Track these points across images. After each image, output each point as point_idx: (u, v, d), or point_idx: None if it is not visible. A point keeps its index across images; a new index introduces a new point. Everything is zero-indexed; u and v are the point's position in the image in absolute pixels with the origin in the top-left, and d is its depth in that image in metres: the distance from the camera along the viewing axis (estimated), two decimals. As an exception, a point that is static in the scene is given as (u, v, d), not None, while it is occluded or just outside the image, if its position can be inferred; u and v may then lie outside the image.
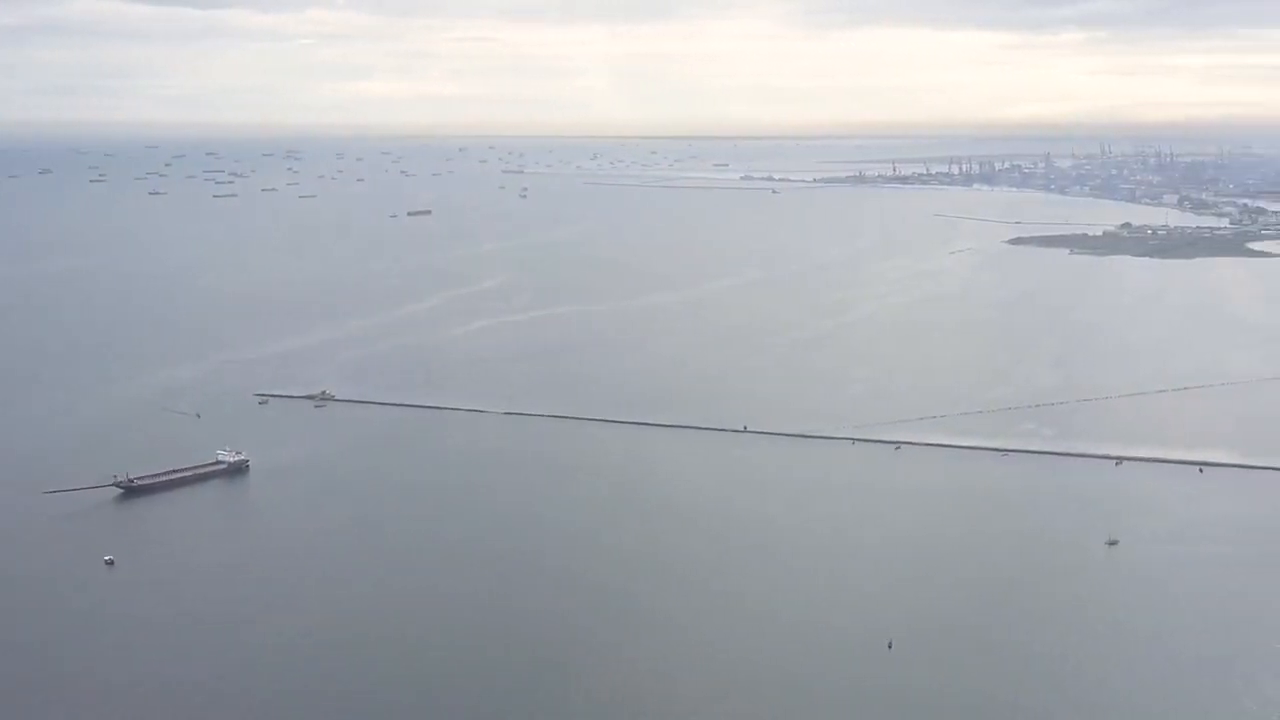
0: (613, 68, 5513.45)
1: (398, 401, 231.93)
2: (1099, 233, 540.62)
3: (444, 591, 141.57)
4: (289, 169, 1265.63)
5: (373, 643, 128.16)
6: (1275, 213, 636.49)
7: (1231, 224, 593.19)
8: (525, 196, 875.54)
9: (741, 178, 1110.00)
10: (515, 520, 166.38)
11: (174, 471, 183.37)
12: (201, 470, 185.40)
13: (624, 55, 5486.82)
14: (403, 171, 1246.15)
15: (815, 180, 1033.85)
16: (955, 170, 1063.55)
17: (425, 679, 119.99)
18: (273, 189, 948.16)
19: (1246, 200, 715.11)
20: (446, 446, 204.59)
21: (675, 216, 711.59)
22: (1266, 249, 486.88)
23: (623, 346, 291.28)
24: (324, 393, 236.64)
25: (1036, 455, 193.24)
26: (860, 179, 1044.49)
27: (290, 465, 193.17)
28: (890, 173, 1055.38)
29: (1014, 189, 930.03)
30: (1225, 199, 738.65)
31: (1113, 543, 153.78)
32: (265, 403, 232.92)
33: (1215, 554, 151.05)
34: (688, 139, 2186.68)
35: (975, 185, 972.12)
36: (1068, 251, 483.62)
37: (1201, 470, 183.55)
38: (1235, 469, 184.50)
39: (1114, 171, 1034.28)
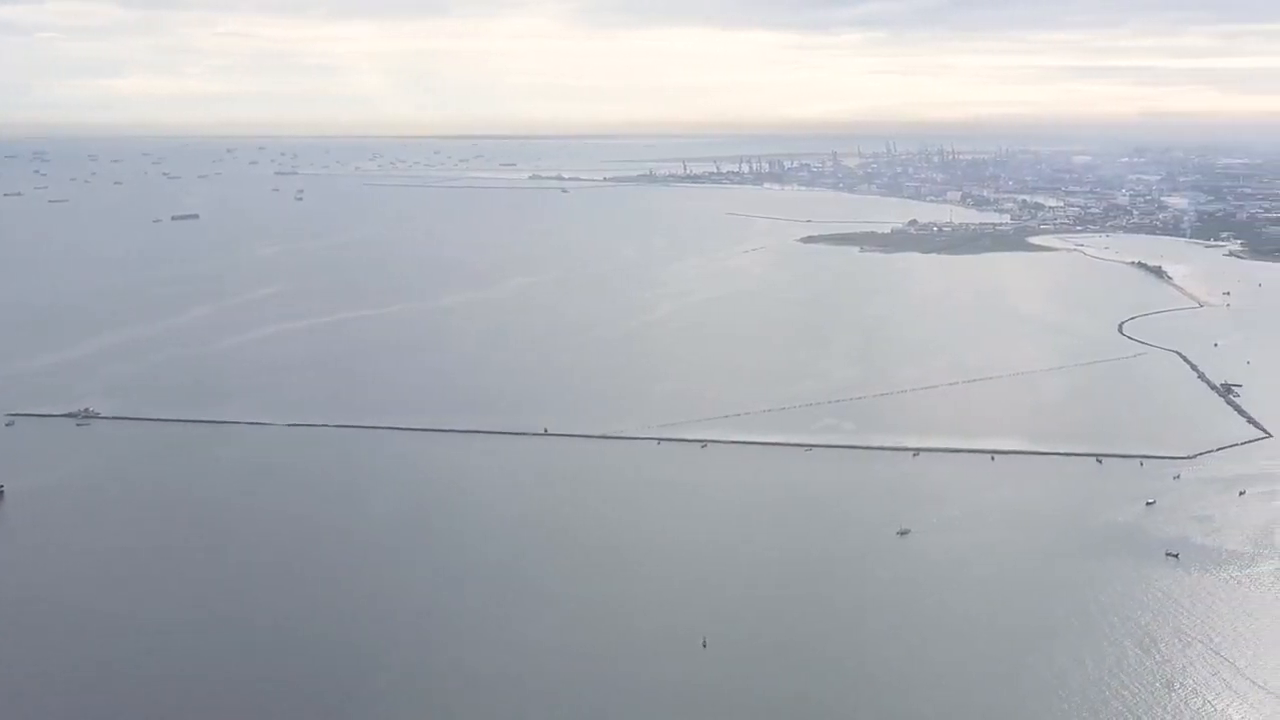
0: (388, 65, 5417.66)
1: (171, 417, 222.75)
2: (888, 230, 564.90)
3: (231, 620, 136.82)
4: (36, 172, 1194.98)
5: (149, 682, 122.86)
6: (1052, 208, 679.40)
7: (1012, 220, 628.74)
8: (301, 199, 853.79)
9: (530, 177, 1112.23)
10: (307, 536, 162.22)
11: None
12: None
13: (399, 52, 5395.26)
14: (165, 174, 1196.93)
15: (606, 179, 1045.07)
16: (746, 169, 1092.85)
17: (215, 712, 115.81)
18: (18, 194, 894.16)
19: (1025, 196, 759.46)
20: (227, 462, 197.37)
21: (464, 217, 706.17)
22: (1045, 243, 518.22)
23: (414, 351, 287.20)
24: (86, 410, 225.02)
25: (838, 449, 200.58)
26: (651, 178, 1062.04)
27: (50, 490, 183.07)
28: (681, 172, 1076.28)
29: (804, 188, 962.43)
30: (1006, 195, 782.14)
31: (904, 533, 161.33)
32: (12, 424, 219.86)
33: (1002, 539, 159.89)
34: (472, 138, 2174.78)
35: (766, 184, 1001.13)
36: (858, 249, 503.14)
37: (993, 458, 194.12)
38: (1024, 455, 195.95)
39: (900, 170, 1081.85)
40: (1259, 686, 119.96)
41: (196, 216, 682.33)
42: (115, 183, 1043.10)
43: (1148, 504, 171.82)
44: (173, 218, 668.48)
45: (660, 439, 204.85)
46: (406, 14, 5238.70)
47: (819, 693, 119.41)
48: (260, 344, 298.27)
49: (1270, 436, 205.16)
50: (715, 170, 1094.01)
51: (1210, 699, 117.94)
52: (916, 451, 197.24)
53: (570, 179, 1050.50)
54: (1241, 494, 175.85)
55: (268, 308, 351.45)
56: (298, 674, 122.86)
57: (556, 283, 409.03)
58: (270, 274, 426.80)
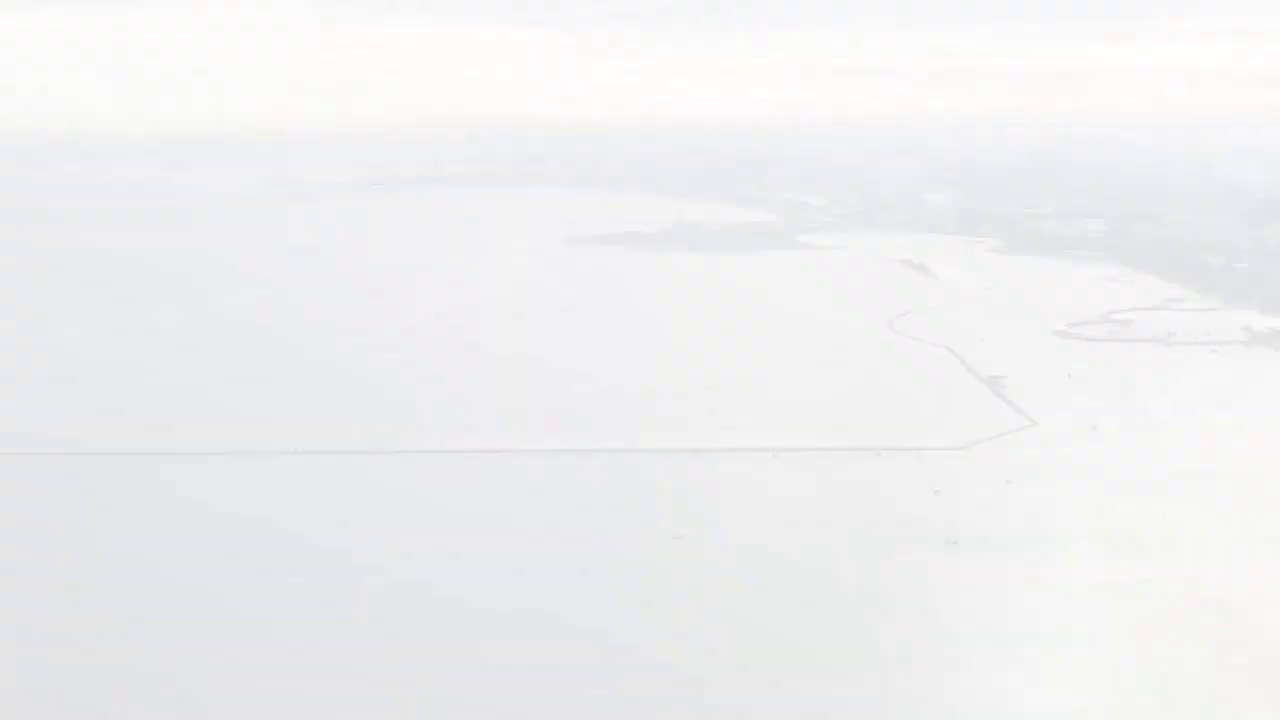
0: (77, 58, 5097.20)
1: None
2: (654, 229, 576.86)
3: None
4: None
5: None
6: (819, 206, 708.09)
7: (781, 218, 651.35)
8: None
9: (257, 180, 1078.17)
10: None
11: None
12: None
13: (89, 45, 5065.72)
14: None
15: (342, 183, 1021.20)
16: (504, 169, 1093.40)
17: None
18: None
19: (792, 195, 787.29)
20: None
21: (180, 228, 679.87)
22: (814, 241, 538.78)
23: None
24: None
25: (617, 453, 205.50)
26: (398, 179, 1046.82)
27: None
28: (431, 173, 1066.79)
29: (566, 187, 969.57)
30: (773, 194, 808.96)
31: (678, 537, 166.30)
32: None
33: (786, 537, 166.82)
34: (186, 142, 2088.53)
35: (524, 184, 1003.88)
36: (625, 249, 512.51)
37: (775, 455, 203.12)
38: (806, 451, 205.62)
39: (665, 168, 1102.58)
40: (1034, 663, 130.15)
41: None
42: None
43: (935, 492, 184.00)
44: None
45: (420, 450, 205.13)
46: (95, 1, 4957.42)
47: (598, 706, 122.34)
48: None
49: (1036, 424, 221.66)
50: (468, 170, 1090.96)
51: (993, 681, 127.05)
52: (697, 452, 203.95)
53: (301, 182, 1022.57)
54: (1009, 482, 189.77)
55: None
56: None
57: (293, 293, 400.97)
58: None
